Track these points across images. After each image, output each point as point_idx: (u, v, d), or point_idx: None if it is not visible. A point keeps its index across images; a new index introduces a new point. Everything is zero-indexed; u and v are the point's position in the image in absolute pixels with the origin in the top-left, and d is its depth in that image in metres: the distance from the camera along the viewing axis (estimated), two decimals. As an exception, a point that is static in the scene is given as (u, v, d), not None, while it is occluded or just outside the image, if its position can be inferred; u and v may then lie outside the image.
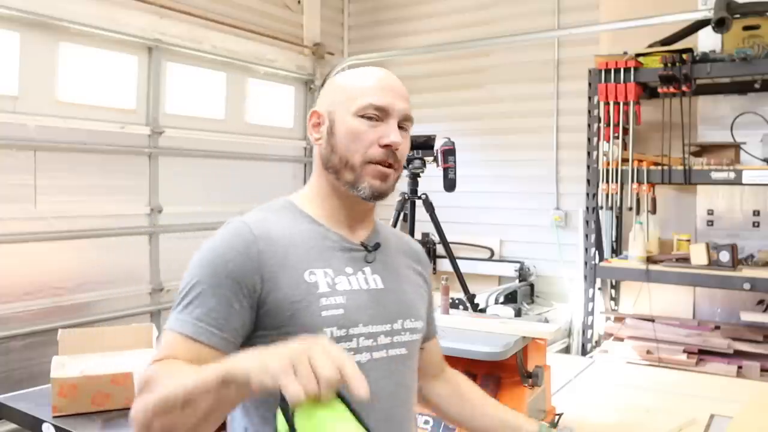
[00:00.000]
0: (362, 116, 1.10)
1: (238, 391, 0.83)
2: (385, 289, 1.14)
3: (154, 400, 0.88)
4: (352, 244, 1.14)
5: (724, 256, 3.02)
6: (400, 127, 1.12)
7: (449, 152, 3.07)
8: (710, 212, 3.54)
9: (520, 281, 4.18)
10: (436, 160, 3.09)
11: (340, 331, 1.04)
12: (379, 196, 1.11)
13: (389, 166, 1.10)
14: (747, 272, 2.99)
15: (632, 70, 3.23)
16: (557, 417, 1.72)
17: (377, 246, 1.16)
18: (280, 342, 0.90)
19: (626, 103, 3.27)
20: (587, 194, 3.45)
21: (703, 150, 3.26)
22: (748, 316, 3.16)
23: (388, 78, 1.16)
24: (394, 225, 3.23)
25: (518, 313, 3.57)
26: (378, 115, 1.10)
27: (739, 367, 2.99)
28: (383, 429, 1.04)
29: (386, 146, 1.09)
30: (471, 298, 3.33)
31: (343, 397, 0.78)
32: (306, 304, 1.02)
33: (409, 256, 1.28)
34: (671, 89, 3.16)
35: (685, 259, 3.19)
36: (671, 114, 3.22)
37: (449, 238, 3.33)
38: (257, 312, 1.02)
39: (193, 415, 0.85)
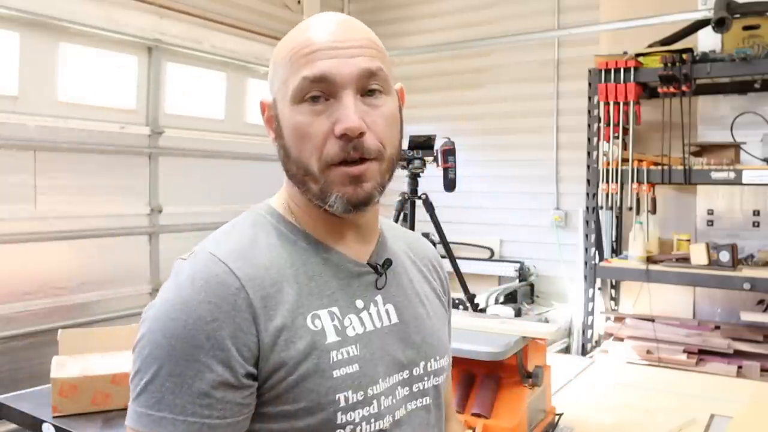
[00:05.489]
0: (302, 101, 0.77)
1: None
2: (401, 324, 0.84)
3: None
4: (359, 265, 0.83)
5: (724, 256, 3.02)
6: (368, 93, 0.78)
7: (449, 152, 3.07)
8: (710, 212, 3.54)
9: (520, 281, 4.19)
10: (436, 160, 3.09)
11: (356, 395, 0.76)
12: (358, 205, 0.78)
13: (360, 160, 0.76)
14: (747, 272, 2.99)
15: (632, 70, 3.23)
16: (557, 417, 1.72)
17: (388, 263, 0.86)
18: (287, 422, 0.73)
19: (626, 103, 3.27)
20: (587, 194, 3.45)
21: (703, 150, 3.26)
22: (748, 316, 3.16)
23: (328, 26, 0.80)
24: (394, 225, 3.21)
25: (518, 313, 3.57)
26: (322, 91, 0.76)
27: (739, 367, 2.99)
28: None
29: (344, 135, 0.75)
30: (471, 298, 3.33)
31: None
32: (314, 362, 0.74)
33: (421, 263, 0.97)
34: (671, 89, 3.15)
35: (685, 259, 3.19)
36: (671, 114, 3.22)
37: (449, 238, 3.32)
38: (258, 380, 0.73)
39: None
